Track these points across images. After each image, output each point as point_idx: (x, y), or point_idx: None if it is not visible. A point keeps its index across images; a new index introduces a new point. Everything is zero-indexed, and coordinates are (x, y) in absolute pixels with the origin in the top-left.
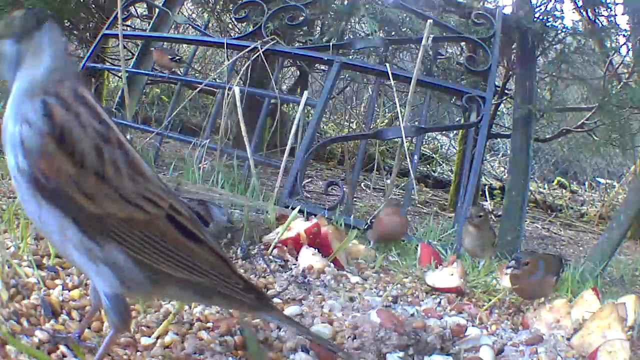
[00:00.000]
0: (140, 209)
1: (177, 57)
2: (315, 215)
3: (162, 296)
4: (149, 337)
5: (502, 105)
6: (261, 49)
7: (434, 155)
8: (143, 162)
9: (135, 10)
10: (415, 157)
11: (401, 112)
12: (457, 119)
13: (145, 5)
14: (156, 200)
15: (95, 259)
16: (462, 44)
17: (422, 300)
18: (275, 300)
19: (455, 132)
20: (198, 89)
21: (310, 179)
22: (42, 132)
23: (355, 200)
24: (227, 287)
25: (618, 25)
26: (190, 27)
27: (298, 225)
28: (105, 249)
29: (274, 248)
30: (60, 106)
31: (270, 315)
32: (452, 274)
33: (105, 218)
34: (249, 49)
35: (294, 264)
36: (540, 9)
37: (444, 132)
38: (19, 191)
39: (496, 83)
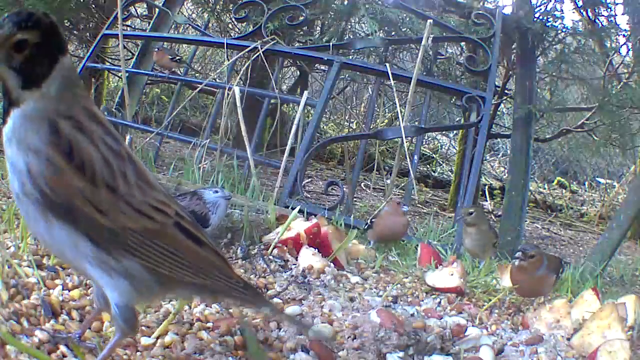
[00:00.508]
0: (151, 220)
1: (178, 57)
2: (315, 215)
3: (168, 297)
4: (149, 337)
5: (502, 105)
6: (261, 49)
7: (434, 155)
8: (148, 172)
9: (135, 10)
10: (415, 157)
11: (401, 112)
12: (457, 119)
13: (145, 5)
14: (164, 209)
15: (109, 270)
16: (462, 44)
17: (422, 300)
18: (276, 300)
19: (455, 132)
20: (198, 89)
21: (310, 179)
22: (50, 158)
23: (355, 200)
24: (230, 286)
25: (618, 25)
26: (190, 27)
27: (298, 225)
28: (120, 261)
29: (274, 248)
30: (71, 126)
31: (269, 309)
32: (452, 274)
33: (119, 231)
34: (249, 49)
35: (294, 264)
36: (540, 9)
37: (444, 132)
38: (24, 210)
39: (496, 83)
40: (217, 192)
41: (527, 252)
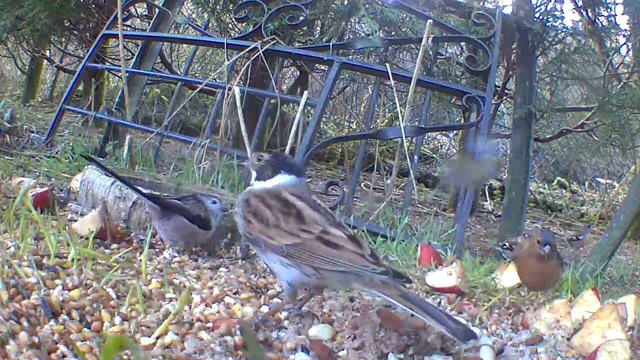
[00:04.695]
0: (297, 237)
1: None
2: None
3: (326, 284)
4: (149, 337)
5: (502, 105)
6: (261, 49)
7: (434, 155)
8: (311, 213)
9: (135, 10)
10: (415, 157)
11: (401, 112)
12: (457, 119)
13: (145, 5)
14: (310, 230)
15: (283, 265)
16: (462, 44)
17: None
18: (276, 299)
19: (455, 132)
20: (198, 89)
21: (310, 179)
22: (243, 215)
23: (355, 200)
24: (362, 272)
25: (618, 25)
26: (190, 27)
27: None
28: (288, 260)
29: None
30: (257, 199)
31: (397, 293)
32: (450, 274)
33: (282, 245)
34: (249, 49)
35: None
36: (540, 9)
37: (444, 132)
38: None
39: (496, 83)
40: (215, 203)
41: (551, 244)
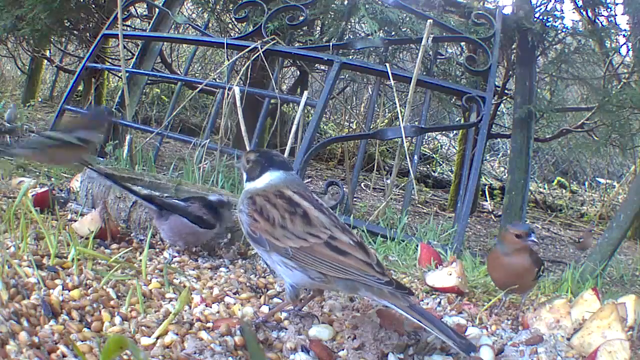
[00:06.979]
0: (305, 241)
1: None
2: None
3: (330, 288)
4: (149, 337)
5: (502, 105)
6: (261, 49)
7: (434, 155)
8: (317, 214)
9: (135, 10)
10: (415, 157)
11: (401, 112)
12: (457, 119)
13: (145, 5)
14: (317, 234)
15: (290, 267)
16: (462, 44)
17: (422, 300)
18: (276, 299)
19: (455, 132)
20: (198, 89)
21: (310, 179)
22: (249, 213)
23: (355, 200)
24: (369, 281)
25: (618, 25)
26: (190, 27)
27: None
28: (293, 263)
29: None
30: (262, 197)
31: (405, 305)
32: (450, 274)
33: (287, 247)
34: (249, 49)
35: None
36: (540, 9)
37: (444, 132)
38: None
39: (496, 83)
40: (219, 198)
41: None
